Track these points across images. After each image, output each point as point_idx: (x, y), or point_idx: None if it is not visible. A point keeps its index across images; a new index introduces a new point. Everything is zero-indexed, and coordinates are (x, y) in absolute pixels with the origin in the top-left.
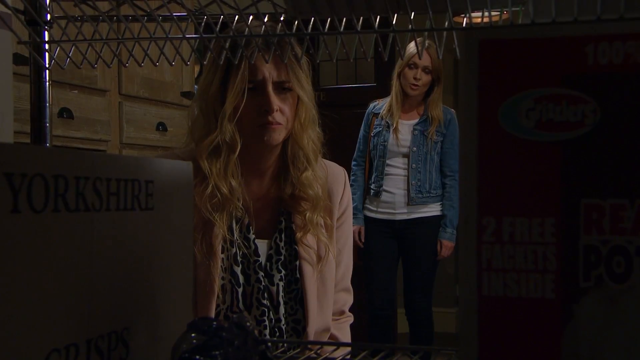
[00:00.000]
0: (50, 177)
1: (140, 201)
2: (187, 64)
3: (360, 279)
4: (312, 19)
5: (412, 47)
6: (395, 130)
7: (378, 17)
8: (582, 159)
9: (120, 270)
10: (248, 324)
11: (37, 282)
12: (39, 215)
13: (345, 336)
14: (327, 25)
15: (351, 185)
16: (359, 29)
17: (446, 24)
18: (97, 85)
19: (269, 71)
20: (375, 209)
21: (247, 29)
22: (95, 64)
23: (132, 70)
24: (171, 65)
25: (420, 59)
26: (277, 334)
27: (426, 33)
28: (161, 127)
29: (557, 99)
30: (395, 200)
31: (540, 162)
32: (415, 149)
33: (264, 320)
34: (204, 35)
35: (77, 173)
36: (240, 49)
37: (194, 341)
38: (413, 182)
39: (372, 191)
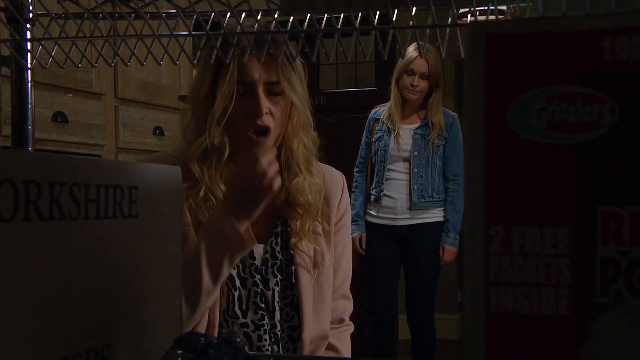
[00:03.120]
0: (20, 183)
1: (123, 208)
2: (175, 63)
3: (361, 285)
4: (308, 15)
5: (409, 52)
6: (397, 135)
7: (377, 13)
8: (598, 163)
9: (100, 282)
10: (238, 339)
11: (5, 297)
12: (7, 225)
13: (345, 347)
14: (324, 22)
15: (353, 192)
16: (357, 25)
17: (449, 20)
18: (93, 88)
19: (259, 73)
20: (376, 213)
21: (239, 27)
22: (79, 63)
23: (128, 73)
24: (159, 64)
25: (422, 57)
26: (273, 339)
27: (428, 32)
28: (158, 131)
29: (571, 97)
30: (397, 205)
31: (552, 166)
32: (416, 153)
33: (264, 325)
34: (193, 33)
35: (52, 178)
36: (231, 47)
37: (180, 359)
38: (415, 186)
39: (372, 197)
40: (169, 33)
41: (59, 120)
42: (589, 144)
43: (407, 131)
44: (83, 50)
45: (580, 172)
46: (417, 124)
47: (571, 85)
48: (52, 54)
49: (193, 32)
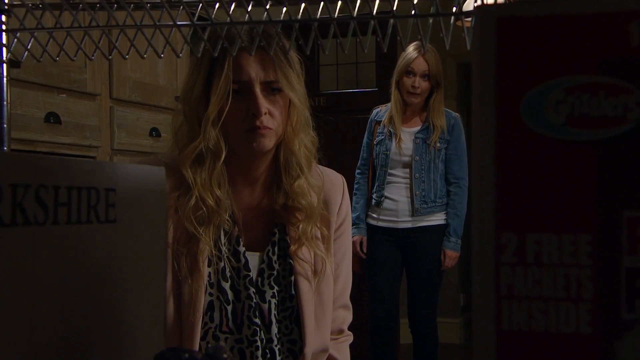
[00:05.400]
0: None
1: (99, 213)
2: (160, 57)
3: (362, 290)
4: (302, 5)
5: (409, 52)
6: (399, 140)
7: (377, 1)
8: (623, 162)
9: (73, 294)
10: (225, 355)
11: None
12: None
13: (345, 357)
14: (319, 12)
15: (354, 194)
16: (355, 14)
17: (454, 9)
18: (87, 89)
19: (255, 71)
20: (377, 216)
21: (228, 17)
22: (57, 57)
23: (123, 73)
24: (142, 57)
25: (424, 48)
26: (269, 355)
27: (430, 21)
28: (154, 132)
29: (593, 88)
30: (399, 208)
31: (572, 165)
32: (417, 157)
33: (256, 341)
34: (178, 24)
35: (14, 180)
36: (220, 40)
37: None
38: (417, 192)
39: (374, 200)
40: (152, 24)
41: (51, 121)
42: (613, 140)
43: (408, 135)
44: (58, 42)
45: (604, 172)
46: (418, 128)
47: (593, 75)
48: (28, 47)
49: (178, 23)
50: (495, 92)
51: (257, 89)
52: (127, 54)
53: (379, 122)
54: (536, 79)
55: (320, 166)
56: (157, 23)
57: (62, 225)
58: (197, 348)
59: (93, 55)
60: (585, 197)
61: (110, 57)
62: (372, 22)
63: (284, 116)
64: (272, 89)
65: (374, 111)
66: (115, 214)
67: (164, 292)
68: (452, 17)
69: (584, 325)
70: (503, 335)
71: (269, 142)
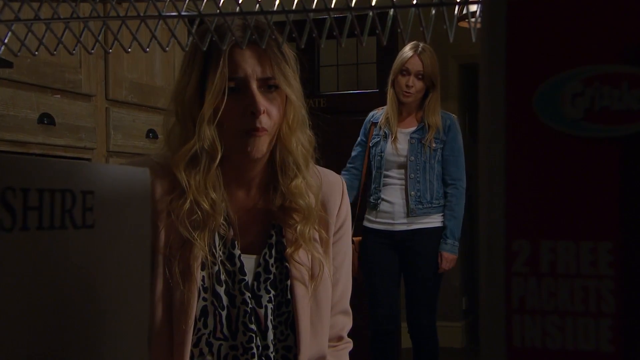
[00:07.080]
0: None
1: (75, 217)
2: (145, 51)
3: (362, 294)
4: None
5: (405, 51)
6: (394, 140)
7: None
8: None
9: (44, 307)
10: None
11: None
12: None
13: None
14: (315, 3)
15: None
16: (352, 4)
17: None
18: (82, 89)
19: (251, 67)
20: (374, 219)
21: (217, 9)
22: (36, 51)
23: (119, 74)
24: (127, 52)
25: (427, 42)
26: None
27: (433, 12)
28: (151, 134)
29: (614, 79)
30: (395, 210)
31: (591, 165)
32: (412, 158)
33: (252, 348)
34: (164, 15)
35: None
36: (209, 33)
37: None
38: (412, 192)
39: (370, 203)
40: (137, 15)
41: (45, 122)
42: (636, 137)
43: (403, 135)
44: (37, 36)
45: (626, 172)
46: (414, 128)
47: (615, 64)
48: (6, 41)
49: (163, 14)
50: (505, 85)
51: (254, 86)
52: (111, 48)
53: (375, 124)
54: (551, 70)
55: (318, 167)
56: (142, 15)
57: (32, 231)
58: (188, 355)
59: (74, 50)
60: (606, 201)
61: (92, 51)
62: (371, 13)
63: (280, 115)
64: (268, 86)
65: (371, 113)
66: (94, 219)
67: (148, 303)
68: (456, 8)
69: (604, 343)
70: (514, 353)
71: (263, 147)
